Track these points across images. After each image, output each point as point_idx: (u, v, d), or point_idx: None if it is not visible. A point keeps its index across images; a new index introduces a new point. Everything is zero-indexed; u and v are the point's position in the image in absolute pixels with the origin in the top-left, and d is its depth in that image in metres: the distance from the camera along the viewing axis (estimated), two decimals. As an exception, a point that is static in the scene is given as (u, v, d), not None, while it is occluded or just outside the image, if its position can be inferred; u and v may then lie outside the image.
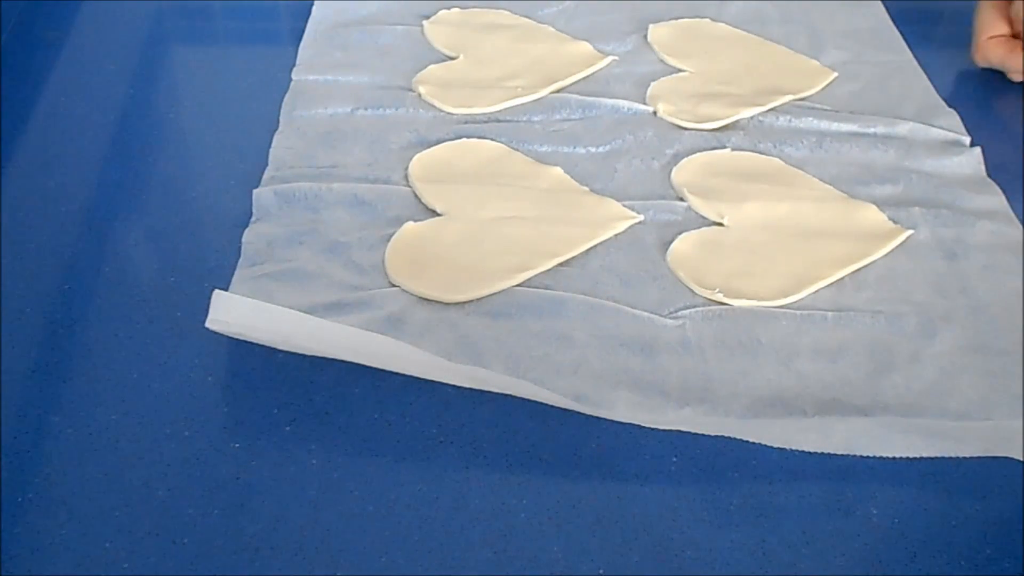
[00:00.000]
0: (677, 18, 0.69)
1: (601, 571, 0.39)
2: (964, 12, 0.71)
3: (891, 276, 0.50)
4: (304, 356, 0.45)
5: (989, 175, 0.56)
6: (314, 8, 0.68)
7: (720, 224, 0.52)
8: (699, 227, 0.52)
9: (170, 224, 0.53)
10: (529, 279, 0.49)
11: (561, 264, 0.50)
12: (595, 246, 0.51)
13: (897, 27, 0.69)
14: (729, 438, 0.43)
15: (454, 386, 0.44)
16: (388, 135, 0.57)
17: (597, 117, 0.60)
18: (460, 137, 0.57)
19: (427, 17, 0.67)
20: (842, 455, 0.42)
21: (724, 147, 0.57)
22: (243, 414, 0.44)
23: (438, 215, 0.52)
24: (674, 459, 0.42)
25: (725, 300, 0.48)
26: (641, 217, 0.53)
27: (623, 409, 0.43)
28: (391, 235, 0.51)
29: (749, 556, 0.39)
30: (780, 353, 0.46)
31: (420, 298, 0.48)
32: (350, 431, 0.43)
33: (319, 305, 0.47)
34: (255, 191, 0.53)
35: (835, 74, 0.64)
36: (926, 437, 0.43)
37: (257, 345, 0.45)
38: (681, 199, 0.54)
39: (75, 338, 0.47)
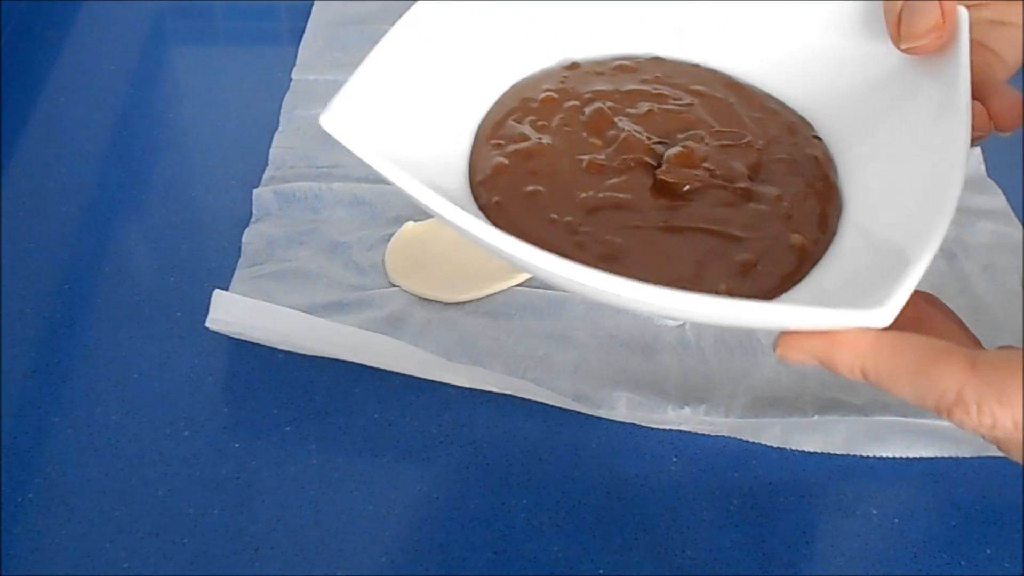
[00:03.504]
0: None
1: (601, 571, 0.39)
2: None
3: (891, 276, 0.50)
4: (304, 356, 0.45)
5: (989, 175, 0.56)
6: (314, 8, 0.68)
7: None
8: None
9: (170, 224, 0.53)
10: (529, 279, 0.49)
11: (561, 264, 0.50)
12: (595, 246, 0.51)
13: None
14: (729, 438, 0.43)
15: (454, 386, 0.44)
16: (388, 135, 0.57)
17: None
18: (460, 137, 0.57)
19: (427, 17, 0.67)
20: (842, 455, 0.42)
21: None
22: (243, 414, 0.44)
23: (438, 215, 0.52)
24: (674, 459, 0.42)
25: (725, 300, 0.48)
26: (641, 217, 0.52)
27: (623, 409, 0.44)
28: (391, 235, 0.51)
29: (749, 556, 0.39)
30: (780, 353, 0.46)
31: (420, 298, 0.48)
32: (350, 431, 0.43)
33: (319, 305, 0.47)
34: (255, 191, 0.53)
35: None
36: (926, 437, 0.43)
37: (257, 345, 0.45)
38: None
39: (75, 338, 0.47)
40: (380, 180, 0.56)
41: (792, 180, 0.33)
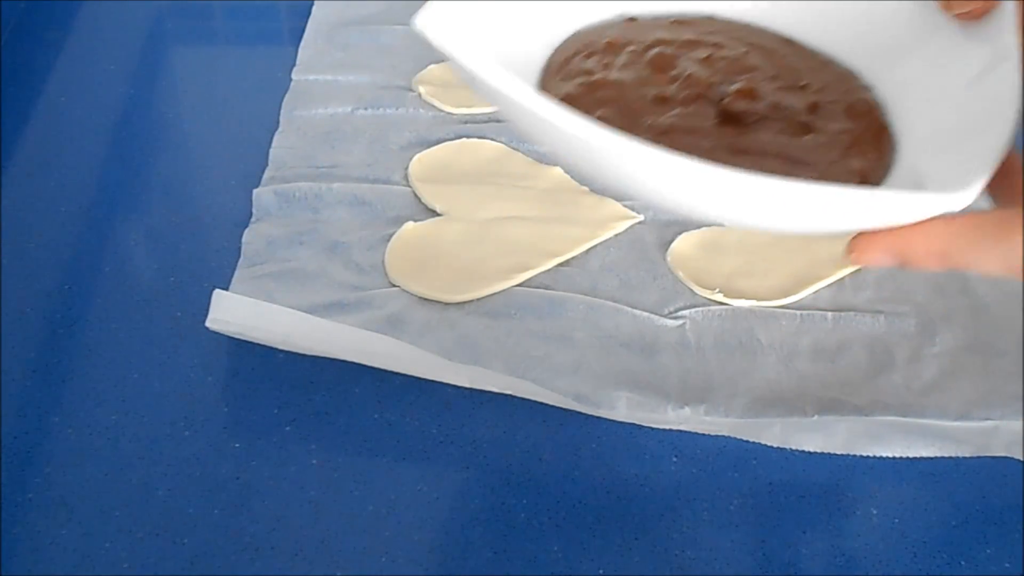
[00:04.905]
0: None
1: (601, 571, 0.39)
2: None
3: (891, 276, 0.50)
4: (304, 356, 0.45)
5: (989, 175, 0.56)
6: (314, 8, 0.68)
7: (720, 224, 0.52)
8: (699, 227, 0.52)
9: (170, 224, 0.53)
10: (529, 279, 0.49)
11: (561, 264, 0.50)
12: (595, 246, 0.51)
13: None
14: (729, 438, 0.43)
15: (454, 386, 0.44)
16: (388, 135, 0.57)
17: (597, 117, 0.60)
18: (460, 137, 0.57)
19: (427, 17, 0.67)
20: (842, 455, 0.42)
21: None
22: (243, 414, 0.44)
23: (438, 215, 0.52)
24: (674, 459, 0.42)
25: (725, 300, 0.48)
26: (641, 217, 0.53)
27: (623, 409, 0.44)
28: (391, 235, 0.51)
29: (749, 556, 0.39)
30: (780, 353, 0.46)
31: (420, 298, 0.48)
32: (350, 431, 0.43)
33: (319, 305, 0.47)
34: (255, 191, 0.53)
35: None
36: (926, 437, 0.43)
37: (257, 345, 0.45)
38: (681, 199, 0.54)
39: (75, 338, 0.47)
40: (380, 180, 0.56)
41: (848, 119, 0.35)
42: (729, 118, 0.34)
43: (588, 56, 0.36)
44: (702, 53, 0.36)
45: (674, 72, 0.35)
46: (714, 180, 0.27)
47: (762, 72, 0.36)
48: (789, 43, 0.38)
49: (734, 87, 0.35)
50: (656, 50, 0.36)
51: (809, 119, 0.34)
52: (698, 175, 0.27)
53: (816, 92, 0.35)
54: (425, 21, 0.30)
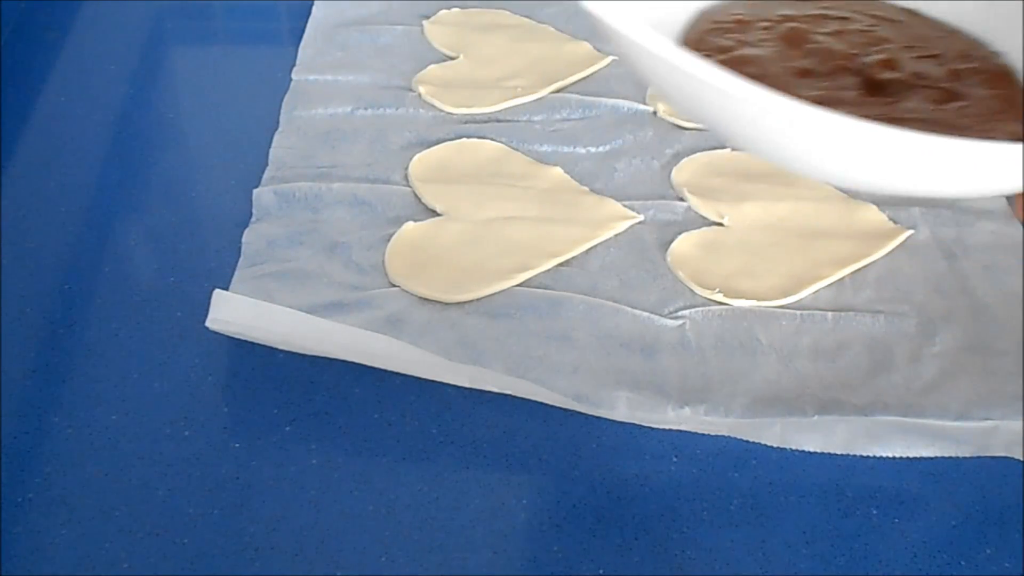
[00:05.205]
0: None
1: (601, 571, 0.39)
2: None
3: (891, 276, 0.50)
4: (304, 356, 0.45)
5: (989, 175, 0.56)
6: (314, 8, 0.68)
7: (720, 224, 0.52)
8: (699, 227, 0.52)
9: (170, 224, 0.53)
10: (529, 279, 0.49)
11: (561, 264, 0.50)
12: (595, 246, 0.51)
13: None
14: (729, 438, 0.43)
15: (454, 386, 0.44)
16: (388, 135, 0.57)
17: (597, 117, 0.60)
18: (460, 137, 0.57)
19: (427, 17, 0.67)
20: (842, 455, 0.42)
21: (724, 147, 0.57)
22: (243, 414, 0.44)
23: (438, 215, 0.52)
24: (674, 459, 0.42)
25: (725, 300, 0.48)
26: (641, 217, 0.53)
27: (623, 409, 0.44)
28: (391, 235, 0.51)
29: (749, 556, 0.39)
30: (780, 353, 0.46)
31: (420, 298, 0.48)
32: (350, 431, 0.43)
33: (319, 305, 0.47)
34: (255, 191, 0.53)
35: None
36: (926, 437, 0.43)
37: (257, 345, 0.45)
38: (681, 199, 0.54)
39: (75, 338, 0.47)
40: (380, 180, 0.56)
41: (989, 86, 0.34)
42: (874, 89, 0.33)
43: (722, 33, 0.36)
44: (832, 27, 0.36)
45: (809, 46, 0.35)
46: (905, 145, 0.27)
47: (896, 43, 0.36)
48: (912, 14, 0.38)
49: (874, 58, 0.34)
50: (788, 25, 0.36)
51: (952, 86, 0.34)
52: (887, 140, 0.26)
53: (951, 60, 0.35)
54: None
